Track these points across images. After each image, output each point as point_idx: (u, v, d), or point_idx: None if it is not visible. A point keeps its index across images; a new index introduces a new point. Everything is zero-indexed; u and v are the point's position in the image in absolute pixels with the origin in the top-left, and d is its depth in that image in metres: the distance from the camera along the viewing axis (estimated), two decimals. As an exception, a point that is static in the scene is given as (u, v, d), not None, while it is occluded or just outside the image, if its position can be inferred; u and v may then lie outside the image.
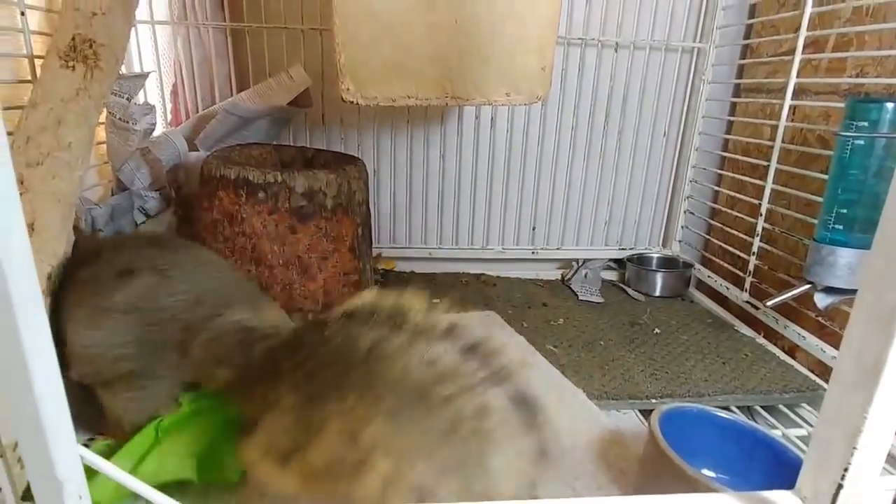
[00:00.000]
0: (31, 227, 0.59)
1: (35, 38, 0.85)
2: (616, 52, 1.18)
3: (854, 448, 0.34)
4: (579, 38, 1.15)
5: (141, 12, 1.10)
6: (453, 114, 1.20)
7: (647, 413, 0.77)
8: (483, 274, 1.25)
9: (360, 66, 0.74)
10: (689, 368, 0.87)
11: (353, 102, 0.77)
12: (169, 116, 1.17)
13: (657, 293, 1.17)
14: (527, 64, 0.77)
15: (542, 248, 1.30)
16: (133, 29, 1.10)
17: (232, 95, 1.15)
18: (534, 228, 1.30)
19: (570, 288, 1.20)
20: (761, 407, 0.80)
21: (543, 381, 0.78)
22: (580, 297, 1.14)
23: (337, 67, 0.74)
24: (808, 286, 0.80)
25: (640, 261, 1.25)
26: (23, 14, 0.81)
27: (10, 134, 0.71)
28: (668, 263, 1.25)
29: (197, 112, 1.15)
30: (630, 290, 1.18)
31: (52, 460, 0.33)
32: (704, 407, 0.62)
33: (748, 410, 0.81)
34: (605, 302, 1.13)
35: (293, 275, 0.84)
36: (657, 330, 1.00)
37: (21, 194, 0.64)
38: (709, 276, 1.17)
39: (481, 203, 1.27)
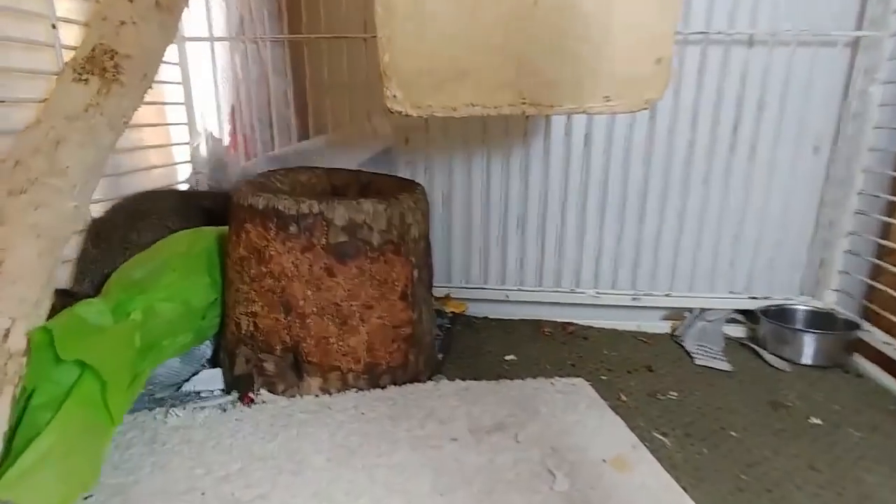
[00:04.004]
0: (-6, 269, 0.49)
1: (69, 55, 0.78)
2: (749, 48, 0.93)
3: None
4: (700, 33, 0.92)
5: (199, 30, 1.03)
6: (539, 128, 1.01)
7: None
8: (571, 323, 1.03)
9: (409, 67, 0.58)
10: (871, 487, 0.60)
11: (401, 113, 0.60)
12: (227, 139, 1.09)
13: (807, 361, 0.88)
14: (635, 58, 0.57)
15: (645, 294, 1.05)
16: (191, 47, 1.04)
17: (288, 112, 1.04)
18: (636, 268, 1.06)
19: (682, 346, 0.95)
20: None
21: (648, 492, 0.55)
22: (697, 361, 0.89)
23: (380, 69, 0.58)
24: None
25: (780, 315, 0.97)
26: (54, 27, 0.74)
27: None
28: (820, 321, 0.95)
29: (253, 132, 1.06)
30: (766, 355, 0.91)
31: None
32: None
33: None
34: (734, 370, 0.86)
35: (329, 326, 0.69)
36: (814, 419, 0.73)
37: (-9, 230, 0.55)
38: (885, 343, 0.86)
39: (571, 236, 1.06)
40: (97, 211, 0.85)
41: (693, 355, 0.90)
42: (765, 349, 0.92)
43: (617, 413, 0.71)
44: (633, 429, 0.68)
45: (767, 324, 0.94)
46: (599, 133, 1.00)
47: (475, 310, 1.07)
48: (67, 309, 0.56)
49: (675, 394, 0.79)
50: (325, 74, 1.00)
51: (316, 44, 1.00)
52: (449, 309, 1.04)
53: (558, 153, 1.02)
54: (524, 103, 0.59)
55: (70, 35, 0.77)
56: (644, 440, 0.66)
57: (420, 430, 0.63)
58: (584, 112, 0.61)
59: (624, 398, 0.77)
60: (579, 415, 0.69)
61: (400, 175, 1.02)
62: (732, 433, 0.70)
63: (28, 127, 0.59)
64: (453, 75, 0.57)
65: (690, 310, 1.03)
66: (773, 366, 0.88)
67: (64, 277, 0.77)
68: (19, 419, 0.49)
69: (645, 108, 0.61)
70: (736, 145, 0.97)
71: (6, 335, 0.46)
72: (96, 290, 0.72)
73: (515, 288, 1.08)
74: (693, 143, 0.98)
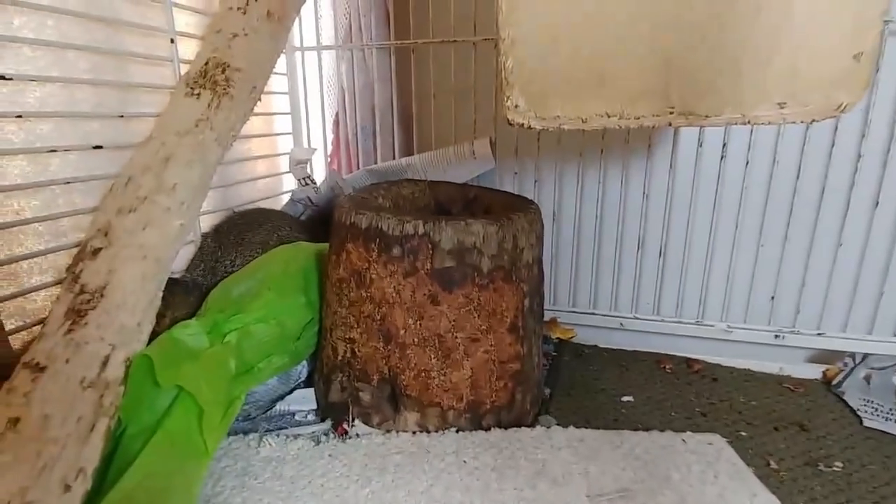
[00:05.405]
0: (99, 293, 0.47)
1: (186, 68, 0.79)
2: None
3: None
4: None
5: (307, 38, 1.02)
6: (665, 137, 0.89)
7: None
8: (696, 360, 0.90)
9: (535, 73, 0.50)
10: None
11: (523, 125, 0.53)
12: (330, 147, 1.08)
13: None
14: (826, 53, 0.45)
15: (789, 331, 0.90)
16: (301, 56, 1.03)
17: (393, 122, 1.00)
18: (772, 298, 0.91)
19: (841, 399, 0.79)
20: None
21: None
22: (865, 422, 0.73)
23: (502, 76, 0.51)
24: None
25: (978, 370, 0.78)
26: (172, 41, 0.74)
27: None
28: None
29: (356, 141, 1.03)
30: (960, 420, 0.73)
31: None
32: None
33: None
34: (916, 437, 0.70)
35: (431, 359, 0.63)
36: None
37: (99, 250, 0.54)
38: None
39: (697, 259, 0.93)
40: (205, 222, 0.86)
41: (859, 413, 0.74)
42: (956, 412, 0.74)
43: (768, 486, 0.59)
44: (791, 510, 0.56)
45: (960, 381, 0.76)
46: (740, 143, 0.86)
47: (583, 336, 0.97)
48: (165, 333, 0.55)
49: (841, 465, 0.65)
50: (431, 82, 0.95)
51: (423, 51, 0.96)
52: (555, 335, 0.95)
53: (687, 165, 0.90)
54: (672, 113, 0.49)
55: (188, 49, 0.78)
56: (808, 527, 0.54)
57: (530, 490, 0.55)
58: (747, 123, 0.50)
59: (774, 465, 0.64)
60: (720, 487, 0.58)
61: (506, 186, 0.95)
62: (928, 528, 0.55)
63: (141, 143, 0.58)
64: (587, 82, 0.48)
65: (850, 354, 0.86)
66: (971, 436, 0.70)
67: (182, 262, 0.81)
68: (114, 449, 0.47)
69: (833, 116, 0.48)
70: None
71: (105, 364, 0.44)
72: (205, 278, 0.77)
73: (631, 316, 0.96)
74: (861, 155, 0.82)
